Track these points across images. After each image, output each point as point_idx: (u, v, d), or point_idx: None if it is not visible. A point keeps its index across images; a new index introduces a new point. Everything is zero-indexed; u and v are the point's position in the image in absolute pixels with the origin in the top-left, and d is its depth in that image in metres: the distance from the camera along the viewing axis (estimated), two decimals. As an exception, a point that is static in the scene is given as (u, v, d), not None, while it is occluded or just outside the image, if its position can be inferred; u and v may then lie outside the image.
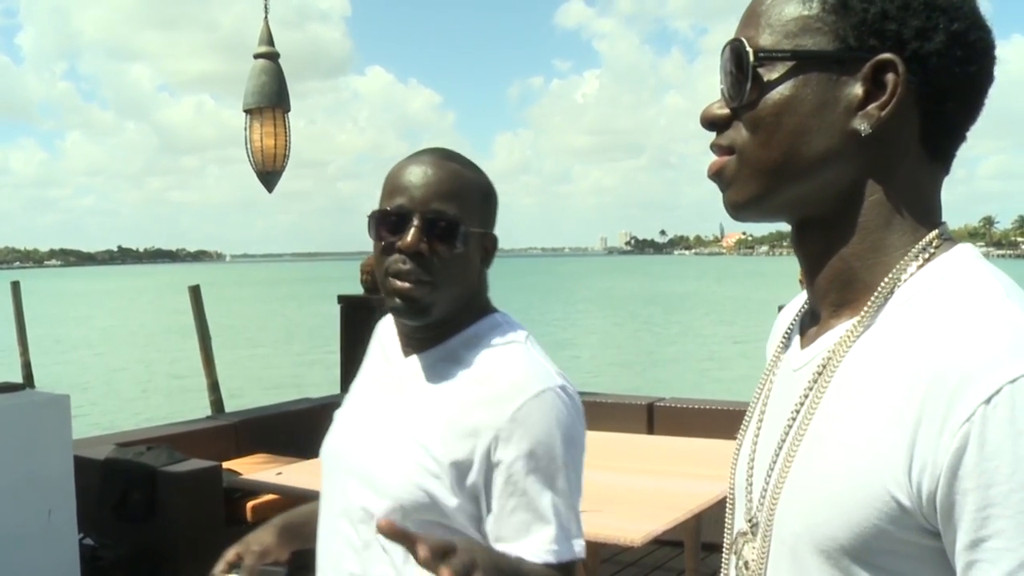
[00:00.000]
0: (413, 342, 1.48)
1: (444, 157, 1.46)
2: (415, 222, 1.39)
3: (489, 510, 1.36)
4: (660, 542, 3.99)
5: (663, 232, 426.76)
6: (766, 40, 0.85)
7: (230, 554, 1.59)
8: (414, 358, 1.47)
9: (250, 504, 4.75)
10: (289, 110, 5.81)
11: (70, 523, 3.80)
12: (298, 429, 5.90)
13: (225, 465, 4.81)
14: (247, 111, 5.74)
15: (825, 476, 0.79)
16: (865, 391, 0.78)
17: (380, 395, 1.51)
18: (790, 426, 0.86)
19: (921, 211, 0.85)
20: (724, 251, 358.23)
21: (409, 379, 1.47)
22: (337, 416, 1.59)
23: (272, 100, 5.65)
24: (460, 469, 1.35)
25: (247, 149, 5.73)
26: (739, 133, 0.87)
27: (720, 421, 5.28)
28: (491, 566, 1.16)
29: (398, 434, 1.42)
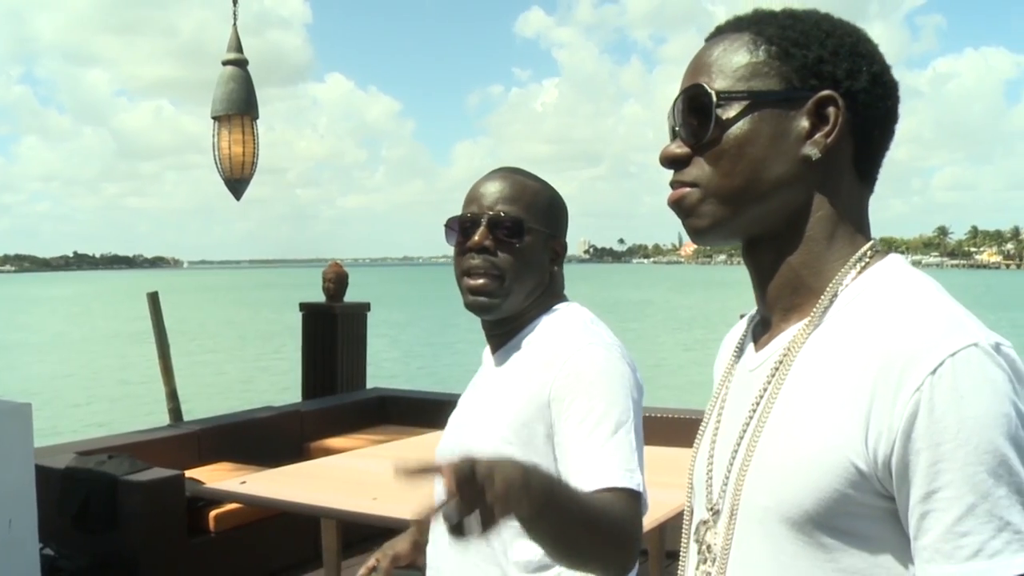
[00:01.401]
0: (494, 339, 1.66)
1: (511, 171, 1.66)
2: (482, 223, 1.57)
3: (560, 459, 1.47)
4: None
5: (621, 241, 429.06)
6: (721, 84, 0.98)
7: (371, 560, 1.76)
8: (496, 355, 1.65)
9: (213, 513, 4.72)
10: (257, 117, 5.80)
11: (31, 533, 3.75)
12: (261, 437, 5.88)
13: (187, 474, 4.77)
14: (215, 118, 5.71)
15: (790, 453, 0.90)
16: (821, 377, 0.91)
17: (474, 396, 1.68)
18: (751, 416, 0.98)
19: (856, 225, 0.99)
20: (682, 260, 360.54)
21: (490, 375, 1.64)
22: (448, 425, 1.74)
23: (240, 107, 5.64)
24: (531, 430, 1.49)
25: (215, 156, 5.69)
26: (701, 168, 0.99)
27: (681, 430, 5.34)
28: (520, 478, 1.07)
29: (479, 422, 1.58)
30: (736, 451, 0.98)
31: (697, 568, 1.02)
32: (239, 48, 5.73)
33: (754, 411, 0.97)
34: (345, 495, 3.49)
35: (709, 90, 0.97)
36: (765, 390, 0.97)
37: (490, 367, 1.66)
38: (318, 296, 8.22)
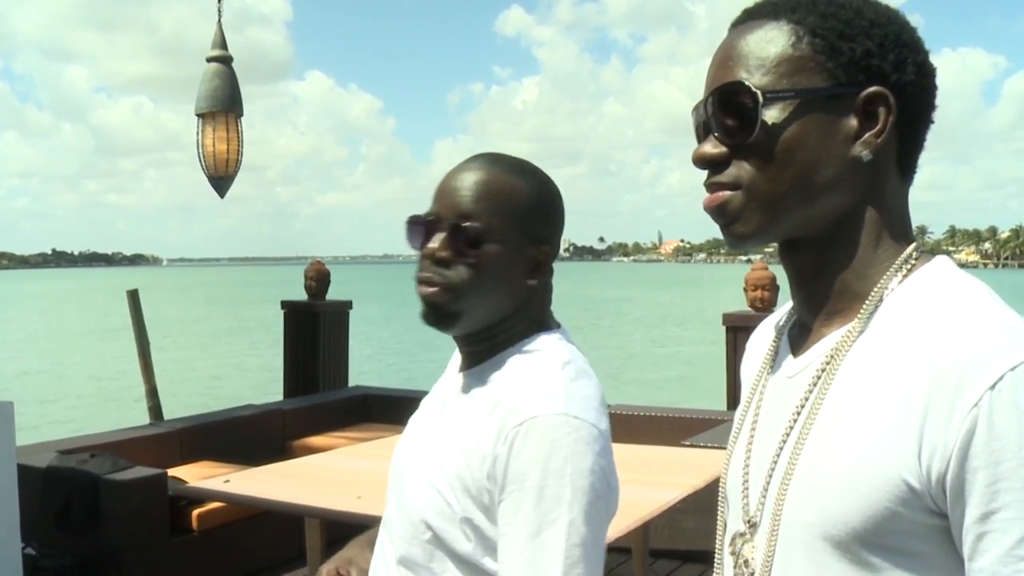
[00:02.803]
0: (465, 357, 1.44)
1: (488, 162, 1.40)
2: (442, 228, 1.36)
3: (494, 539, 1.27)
4: (608, 548, 4.04)
5: (602, 239, 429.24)
6: (762, 80, 0.90)
7: (325, 572, 1.49)
8: (459, 376, 1.44)
9: (196, 512, 4.71)
10: (242, 114, 5.76)
11: (13, 532, 3.72)
12: (242, 436, 5.87)
13: (169, 473, 4.76)
14: (199, 115, 5.68)
15: (836, 467, 0.85)
16: (869, 387, 0.85)
17: (432, 410, 1.47)
18: (791, 426, 0.92)
19: (900, 226, 0.94)
20: (662, 258, 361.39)
21: (453, 397, 1.42)
22: (407, 427, 1.55)
23: (225, 104, 5.61)
24: (470, 495, 1.28)
25: (199, 154, 5.66)
26: (743, 169, 0.92)
27: (664, 427, 5.38)
28: None
29: (426, 451, 1.39)
30: (776, 462, 0.93)
31: None
32: (224, 45, 5.71)
33: (795, 420, 0.92)
34: (329, 494, 3.49)
35: (753, 88, 0.90)
36: (807, 399, 0.92)
37: (456, 387, 1.43)
38: (296, 294, 8.21)
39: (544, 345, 1.38)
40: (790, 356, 0.99)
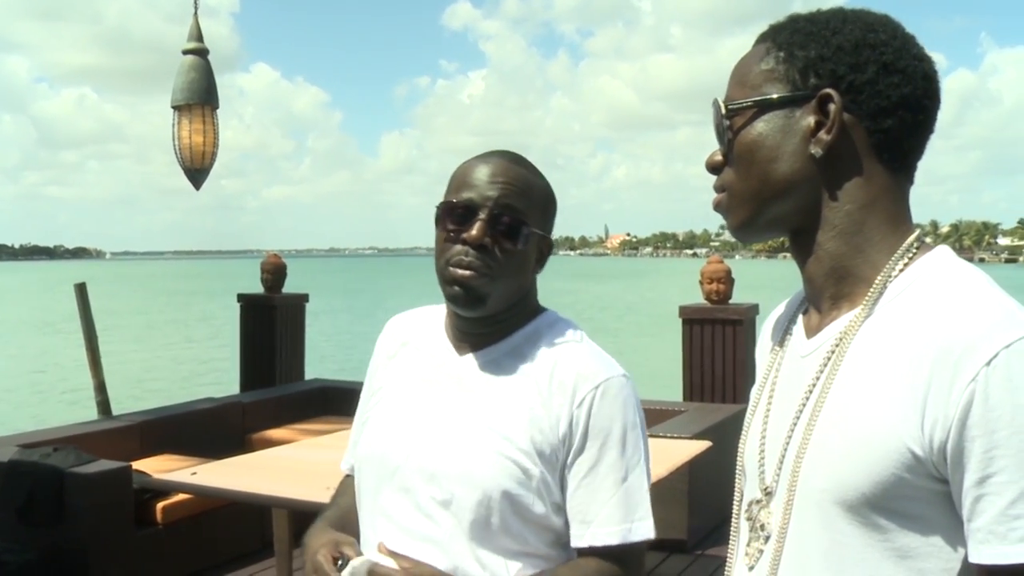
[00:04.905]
0: (470, 339, 1.54)
1: (513, 160, 1.53)
2: (482, 216, 1.46)
3: (570, 494, 1.45)
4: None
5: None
6: (738, 95, 1.06)
7: (321, 556, 1.46)
8: (472, 356, 1.53)
9: (160, 505, 4.70)
10: (218, 107, 5.73)
11: (-23, 527, 3.70)
12: (202, 429, 5.85)
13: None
14: (175, 107, 5.64)
15: (847, 437, 0.94)
16: (876, 365, 0.94)
17: (437, 393, 1.53)
18: (805, 401, 1.01)
19: (890, 214, 1.01)
20: (609, 252, 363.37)
21: (472, 376, 1.52)
22: (376, 417, 1.59)
23: (201, 97, 5.58)
24: (545, 458, 1.44)
25: (175, 146, 5.63)
26: (727, 173, 1.07)
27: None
28: None
29: (477, 428, 1.46)
30: (791, 434, 1.02)
31: (749, 544, 1.07)
32: (200, 37, 5.68)
33: (808, 396, 1.01)
34: (296, 485, 3.50)
35: (720, 103, 1.06)
36: (819, 376, 1.01)
37: (456, 361, 1.54)
38: (245, 287, 8.20)
39: (560, 321, 1.57)
40: (803, 337, 1.08)
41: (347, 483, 1.71)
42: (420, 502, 1.46)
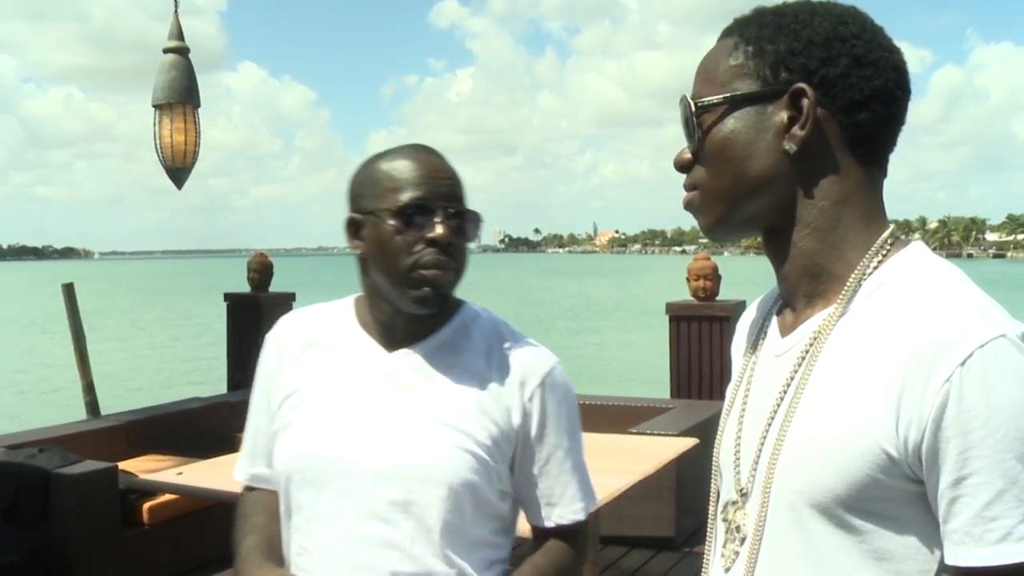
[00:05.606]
0: (400, 335, 1.50)
1: (435, 153, 1.50)
2: (440, 214, 1.43)
3: (528, 480, 1.53)
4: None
5: (537, 230, 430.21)
6: (706, 92, 1.02)
7: None
8: (406, 352, 1.49)
9: (147, 505, 4.68)
10: (199, 105, 5.72)
11: (-38, 529, 3.68)
12: (189, 429, 5.82)
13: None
14: (156, 106, 5.61)
15: (821, 438, 0.92)
16: (851, 365, 0.92)
17: (372, 393, 1.48)
18: (780, 401, 0.99)
19: (864, 209, 0.99)
20: (597, 249, 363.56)
21: (408, 373, 1.48)
22: (303, 421, 1.50)
23: (183, 95, 5.55)
24: (499, 449, 1.47)
25: (156, 145, 5.60)
26: (698, 171, 1.04)
27: (611, 416, 5.48)
28: None
29: (427, 425, 1.44)
30: (766, 435, 1.00)
31: (725, 546, 1.05)
32: (180, 36, 5.66)
33: (783, 396, 0.99)
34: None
35: (690, 101, 1.02)
36: (794, 375, 0.98)
37: (386, 358, 1.49)
38: (233, 286, 8.16)
39: (482, 313, 1.59)
40: (778, 336, 1.06)
41: (254, 499, 1.62)
42: (372, 506, 1.41)
